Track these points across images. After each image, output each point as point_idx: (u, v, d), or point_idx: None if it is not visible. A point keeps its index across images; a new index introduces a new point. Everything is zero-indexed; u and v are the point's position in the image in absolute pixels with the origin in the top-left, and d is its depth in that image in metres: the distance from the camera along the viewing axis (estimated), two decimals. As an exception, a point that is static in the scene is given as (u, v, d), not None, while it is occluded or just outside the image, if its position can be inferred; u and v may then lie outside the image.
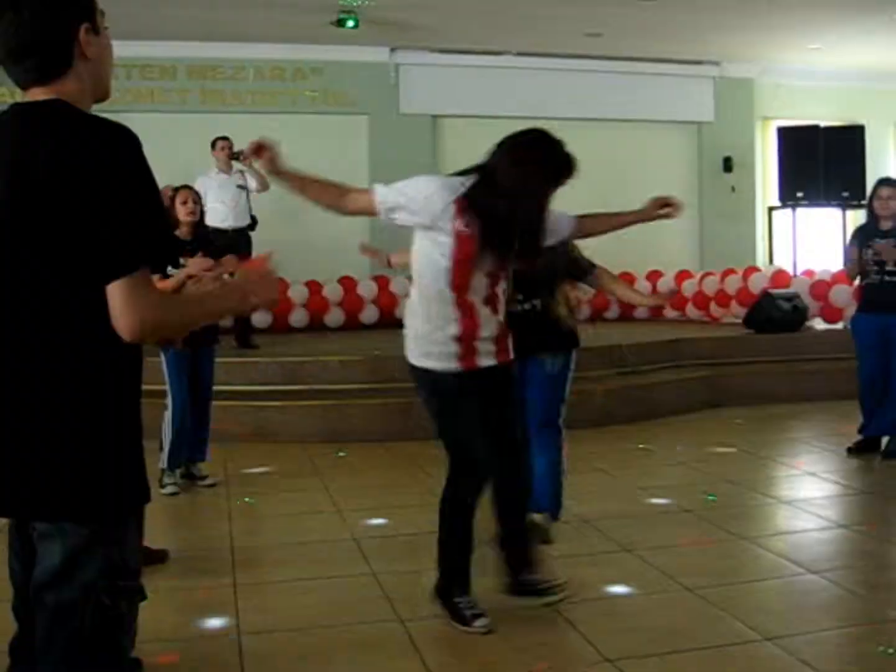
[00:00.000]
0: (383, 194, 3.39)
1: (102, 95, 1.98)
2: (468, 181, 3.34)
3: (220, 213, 8.55)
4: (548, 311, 4.29)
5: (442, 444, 3.65)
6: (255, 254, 8.46)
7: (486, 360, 3.41)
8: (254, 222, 8.86)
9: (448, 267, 3.31)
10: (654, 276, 11.68)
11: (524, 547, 3.74)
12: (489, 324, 3.40)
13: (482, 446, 3.51)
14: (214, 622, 3.64)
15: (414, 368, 3.52)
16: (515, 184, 3.28)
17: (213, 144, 8.80)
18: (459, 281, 3.32)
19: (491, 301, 3.42)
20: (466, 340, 3.36)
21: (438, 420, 3.61)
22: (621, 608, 3.79)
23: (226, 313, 2.85)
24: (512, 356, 3.54)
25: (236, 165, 8.77)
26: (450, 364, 3.39)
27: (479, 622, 3.49)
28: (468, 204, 3.28)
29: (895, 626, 3.52)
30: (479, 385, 3.42)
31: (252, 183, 8.79)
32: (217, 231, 8.24)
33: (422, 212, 3.32)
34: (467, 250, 3.28)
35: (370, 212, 3.46)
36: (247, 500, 5.47)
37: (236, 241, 8.32)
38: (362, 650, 3.36)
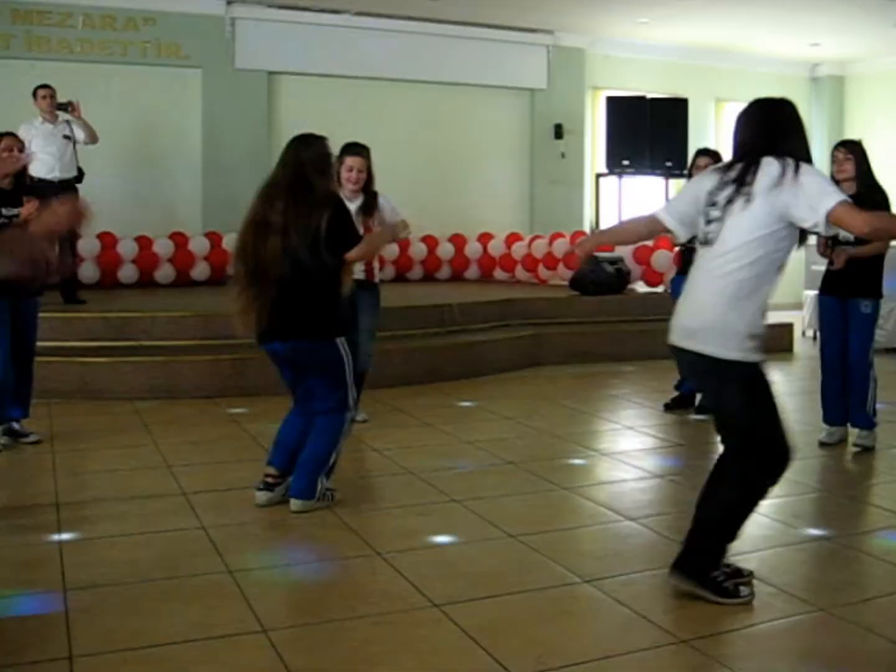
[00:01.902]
0: None
1: None
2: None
3: (46, 164, 8.23)
4: None
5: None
6: None
7: None
8: (80, 174, 8.56)
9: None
10: (484, 238, 11.88)
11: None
12: None
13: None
14: (39, 576, 3.58)
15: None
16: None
17: (35, 93, 8.43)
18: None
19: None
20: None
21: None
22: (447, 556, 3.91)
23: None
24: None
25: (62, 116, 8.45)
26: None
27: (744, 590, 3.38)
28: None
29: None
30: None
31: (80, 134, 8.49)
32: (43, 182, 7.95)
33: None
34: None
35: None
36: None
37: (63, 193, 8.03)
38: (191, 602, 3.36)
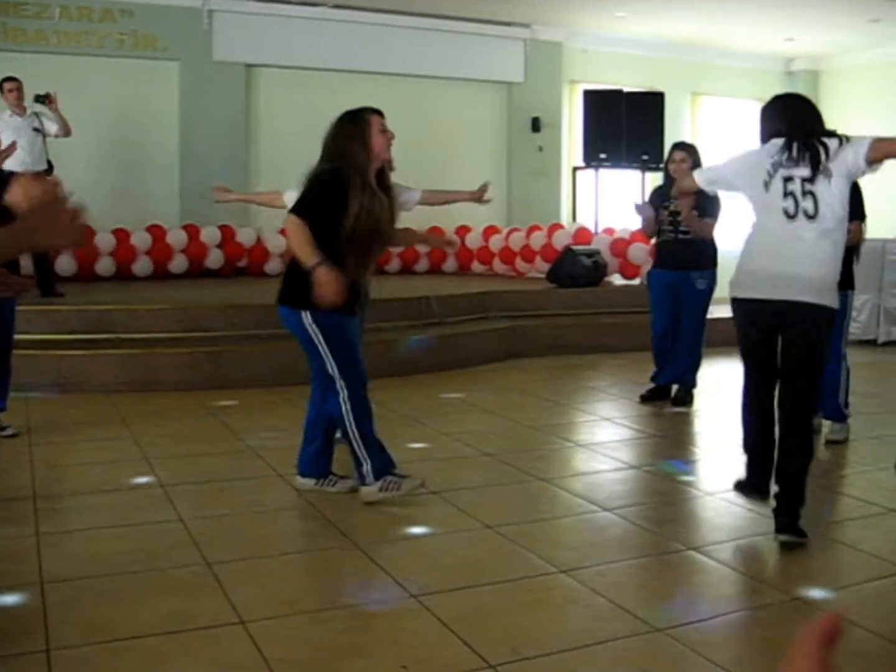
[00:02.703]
0: None
1: None
2: None
3: (16, 157, 8.15)
4: None
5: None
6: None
7: None
8: (50, 167, 8.49)
9: None
10: (462, 231, 11.91)
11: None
12: None
13: None
14: (16, 570, 3.57)
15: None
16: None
17: (1, 86, 8.36)
18: None
19: None
20: None
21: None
22: (425, 547, 3.93)
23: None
24: None
25: (32, 108, 8.39)
26: None
27: None
28: None
29: (678, 556, 3.81)
30: None
31: (52, 127, 8.43)
32: (13, 175, 7.88)
33: None
34: None
35: None
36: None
37: None
38: (169, 594, 3.36)
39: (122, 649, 2.92)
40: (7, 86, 8.29)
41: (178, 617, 3.14)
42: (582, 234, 10.94)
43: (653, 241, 7.23)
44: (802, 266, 3.79)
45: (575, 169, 13.16)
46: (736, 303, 4.01)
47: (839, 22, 12.30)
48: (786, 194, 3.80)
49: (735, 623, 3.19)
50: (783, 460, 3.91)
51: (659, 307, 6.88)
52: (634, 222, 11.67)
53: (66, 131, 8.49)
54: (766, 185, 3.85)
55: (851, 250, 5.58)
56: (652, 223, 6.68)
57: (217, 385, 6.99)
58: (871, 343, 9.90)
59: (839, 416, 5.70)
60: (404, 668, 2.80)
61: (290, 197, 4.84)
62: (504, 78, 12.96)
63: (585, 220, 12.38)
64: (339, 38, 11.72)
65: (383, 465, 4.32)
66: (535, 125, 12.92)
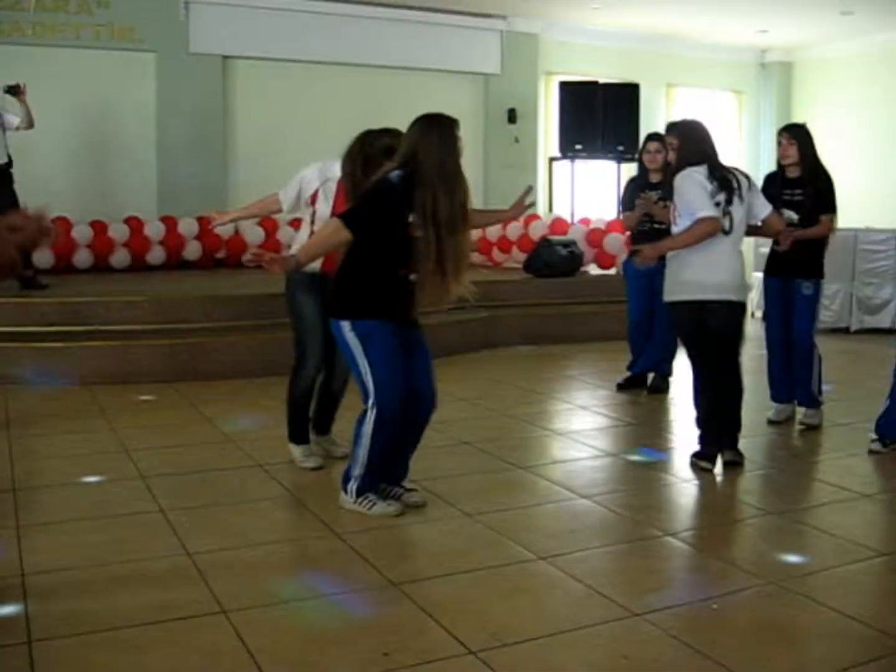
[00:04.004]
0: None
1: None
2: None
3: None
4: None
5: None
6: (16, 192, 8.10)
7: None
8: (10, 161, 8.27)
9: None
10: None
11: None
12: None
13: None
14: (-4, 563, 3.58)
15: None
16: None
17: None
18: None
19: None
20: None
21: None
22: (405, 535, 3.97)
23: None
24: None
25: None
26: None
27: None
28: None
29: (655, 542, 3.86)
30: None
31: (13, 120, 8.28)
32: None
33: None
34: None
35: None
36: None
37: None
38: (150, 584, 3.38)
39: (103, 640, 2.93)
40: None
41: (159, 607, 3.15)
42: (558, 225, 10.98)
43: (629, 232, 7.27)
44: (732, 271, 4.83)
45: (551, 160, 13.19)
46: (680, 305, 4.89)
47: (812, 14, 12.38)
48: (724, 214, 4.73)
49: (711, 608, 3.23)
50: (729, 401, 4.88)
51: (635, 297, 6.92)
52: (611, 212, 11.79)
53: (28, 123, 8.32)
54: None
55: (822, 241, 5.67)
56: (634, 214, 6.67)
57: (195, 377, 6.98)
58: (844, 331, 10.00)
59: (813, 402, 5.78)
60: (385, 655, 2.83)
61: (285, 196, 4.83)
62: (480, 69, 12.97)
63: (561, 210, 12.42)
64: (315, 29, 11.68)
65: (369, 486, 4.17)
66: (512, 116, 12.94)
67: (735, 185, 4.76)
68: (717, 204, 4.67)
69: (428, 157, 3.94)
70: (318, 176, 4.75)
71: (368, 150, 4.43)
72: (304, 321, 4.75)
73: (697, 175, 4.70)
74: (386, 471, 4.22)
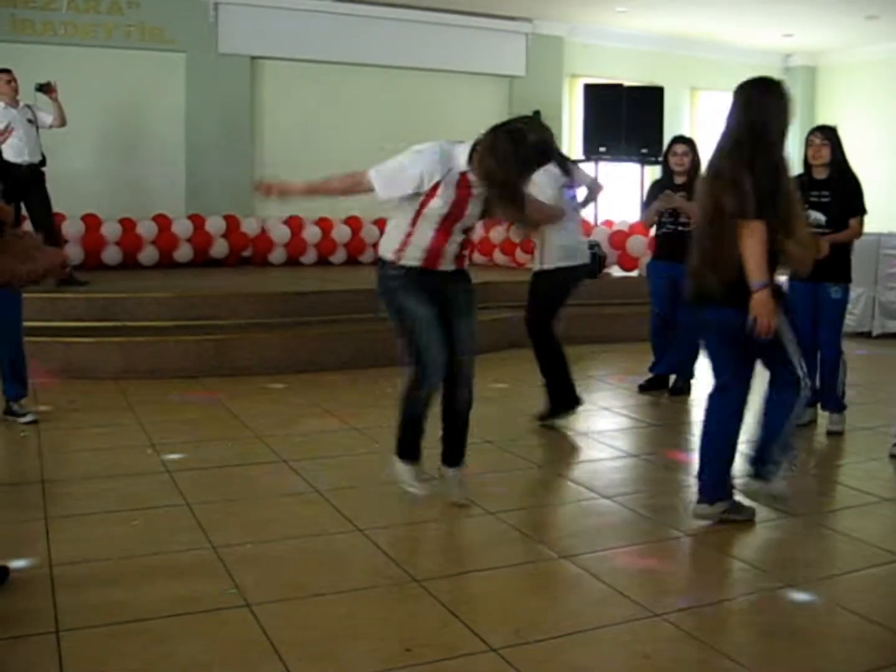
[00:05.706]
0: None
1: None
2: None
3: (15, 148, 8.09)
4: None
5: None
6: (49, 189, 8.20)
7: None
8: (44, 159, 8.42)
9: None
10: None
11: None
12: None
13: None
14: (25, 553, 3.61)
15: None
16: None
17: None
18: None
19: None
20: None
21: None
22: (428, 532, 4.01)
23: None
24: None
25: (24, 100, 8.34)
26: None
27: None
28: None
29: (677, 542, 3.88)
30: None
31: (46, 118, 8.39)
32: (11, 165, 7.87)
33: None
34: None
35: None
36: (23, 434, 5.39)
37: (31, 177, 8.07)
38: (176, 577, 3.41)
39: (129, 631, 2.96)
40: (5, 77, 8.25)
41: (185, 599, 3.19)
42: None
43: (652, 232, 7.28)
44: None
45: (575, 162, 13.16)
46: None
47: (837, 18, 12.35)
48: None
49: (732, 609, 3.24)
50: None
51: (657, 298, 6.92)
52: (634, 215, 11.77)
53: (61, 122, 8.41)
54: None
55: (849, 245, 5.65)
56: (653, 214, 6.72)
57: (222, 372, 7.04)
58: (867, 335, 9.95)
59: (837, 407, 5.76)
60: (408, 650, 2.86)
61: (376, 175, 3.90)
62: (505, 72, 13.01)
63: (585, 212, 12.37)
64: (343, 31, 11.77)
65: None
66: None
67: None
68: None
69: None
70: (442, 162, 3.89)
71: (524, 153, 3.74)
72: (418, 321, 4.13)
73: None
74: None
